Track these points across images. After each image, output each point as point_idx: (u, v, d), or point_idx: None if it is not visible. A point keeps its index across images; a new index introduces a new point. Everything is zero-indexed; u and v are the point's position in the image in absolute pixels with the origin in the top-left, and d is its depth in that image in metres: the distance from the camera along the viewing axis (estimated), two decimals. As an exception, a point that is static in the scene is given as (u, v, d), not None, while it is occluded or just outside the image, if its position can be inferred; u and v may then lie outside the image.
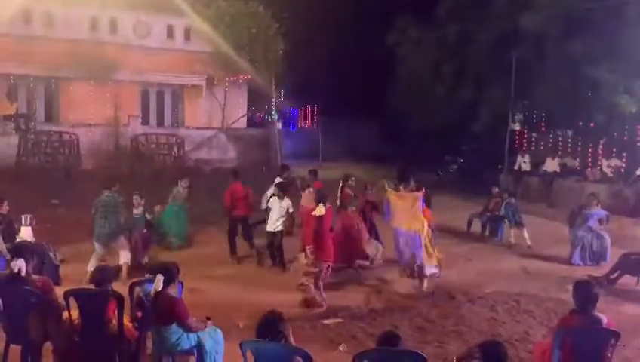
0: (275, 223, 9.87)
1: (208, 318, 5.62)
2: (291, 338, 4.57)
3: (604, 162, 16.98)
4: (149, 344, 5.70)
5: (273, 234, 9.94)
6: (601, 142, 17.69)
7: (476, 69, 20.54)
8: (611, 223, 11.16)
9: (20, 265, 5.32)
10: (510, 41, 18.69)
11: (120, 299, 5.37)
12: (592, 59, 15.68)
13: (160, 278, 5.30)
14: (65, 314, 5.40)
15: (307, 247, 8.11)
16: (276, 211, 9.87)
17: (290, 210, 9.99)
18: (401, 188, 10.23)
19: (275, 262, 10.05)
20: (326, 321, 7.33)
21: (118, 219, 9.03)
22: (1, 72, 20.08)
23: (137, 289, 5.80)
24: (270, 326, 4.44)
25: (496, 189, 13.30)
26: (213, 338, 5.49)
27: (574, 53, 16.17)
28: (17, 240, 8.18)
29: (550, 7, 17.08)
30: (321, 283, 8.04)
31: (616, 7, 15.42)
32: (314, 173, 12.04)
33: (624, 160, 16.63)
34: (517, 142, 20.56)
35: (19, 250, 5.64)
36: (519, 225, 12.16)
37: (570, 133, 19.23)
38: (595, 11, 15.84)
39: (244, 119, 25.49)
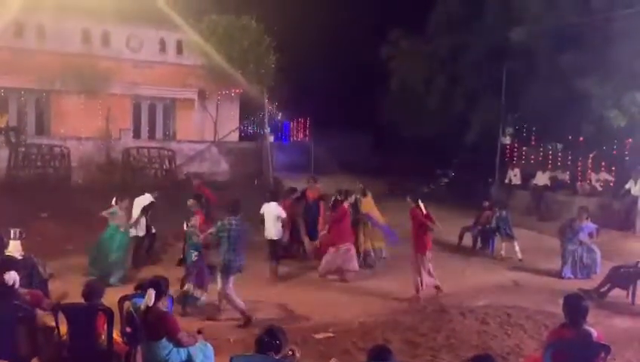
0: (271, 230, 10.16)
1: (200, 331, 5.59)
2: (297, 354, 4.58)
3: (594, 176, 17.11)
4: (139, 359, 5.65)
5: (271, 241, 10.25)
6: (590, 155, 17.82)
7: (468, 82, 20.70)
8: (601, 236, 11.23)
9: (14, 277, 5.30)
10: (501, 54, 18.87)
11: (109, 314, 5.34)
12: (582, 73, 15.83)
13: (151, 293, 5.26)
14: (53, 329, 5.35)
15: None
16: (270, 219, 10.11)
17: (283, 216, 10.23)
18: None
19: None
20: (317, 336, 7.30)
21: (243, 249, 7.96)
22: (-8, 85, 20.03)
23: (127, 303, 5.75)
24: (269, 335, 4.42)
25: (487, 203, 13.36)
26: (203, 353, 5.45)
27: (564, 67, 16.33)
28: (6, 253, 8.10)
29: (540, 21, 17.28)
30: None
31: (605, 21, 15.60)
32: (199, 176, 11.92)
33: (613, 174, 16.77)
34: (507, 155, 20.69)
35: (6, 264, 5.59)
36: (510, 238, 12.21)
37: (560, 146, 19.37)
38: (584, 25, 16.03)
39: (237, 132, 25.51)
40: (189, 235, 8.68)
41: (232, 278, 7.75)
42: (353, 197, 11.12)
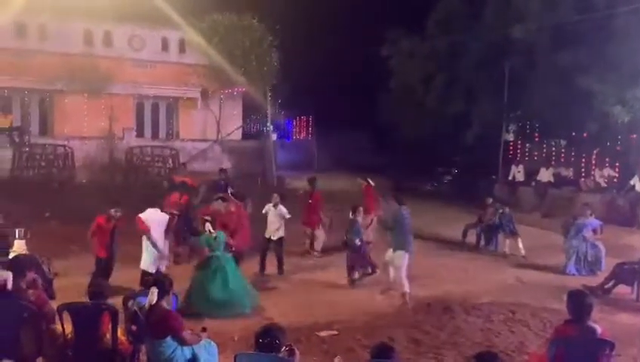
0: (273, 231, 10.15)
1: (204, 329, 5.59)
2: (297, 354, 4.54)
3: (598, 172, 17.07)
4: (144, 358, 5.67)
5: (269, 240, 10.19)
6: (594, 152, 17.78)
7: (468, 80, 20.64)
8: (605, 233, 11.18)
9: (5, 277, 5.29)
10: (501, 52, 18.83)
11: (114, 313, 5.35)
12: (583, 70, 15.78)
13: (154, 291, 5.26)
14: (58, 328, 5.36)
15: None
16: (272, 218, 10.13)
17: (287, 216, 10.24)
18: None
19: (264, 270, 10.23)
20: (321, 333, 7.31)
21: None
22: (-4, 86, 20.08)
23: (131, 302, 5.76)
24: (268, 335, 4.41)
25: (490, 200, 13.34)
26: (207, 352, 5.45)
27: (565, 64, 16.28)
28: (11, 253, 8.14)
29: (540, 18, 17.23)
30: None
31: (605, 18, 15.57)
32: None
33: (617, 169, 16.72)
34: (511, 152, 20.65)
35: (13, 264, 5.61)
36: (514, 235, 12.19)
37: (563, 143, 19.34)
38: (585, 22, 15.98)
39: (240, 131, 25.54)
40: (351, 225, 9.85)
41: (406, 260, 8.67)
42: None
